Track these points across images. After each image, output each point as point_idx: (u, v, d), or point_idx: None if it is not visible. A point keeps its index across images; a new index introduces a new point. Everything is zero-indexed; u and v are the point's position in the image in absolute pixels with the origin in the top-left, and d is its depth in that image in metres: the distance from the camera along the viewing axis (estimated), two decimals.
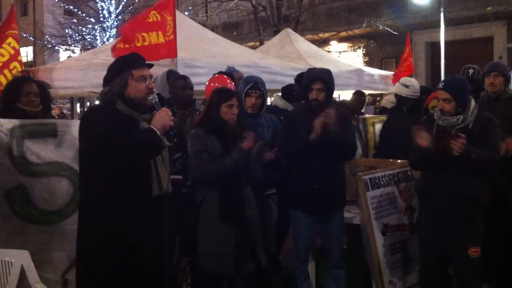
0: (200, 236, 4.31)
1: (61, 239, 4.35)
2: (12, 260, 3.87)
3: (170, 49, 6.89)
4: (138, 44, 6.81)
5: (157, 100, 3.68)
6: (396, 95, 6.79)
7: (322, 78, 4.68)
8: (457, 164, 4.08)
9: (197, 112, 5.26)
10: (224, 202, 4.25)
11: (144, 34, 6.85)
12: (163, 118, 3.53)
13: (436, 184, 4.30)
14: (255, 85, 4.97)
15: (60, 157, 4.44)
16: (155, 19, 6.85)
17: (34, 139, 4.34)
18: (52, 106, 6.12)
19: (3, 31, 7.57)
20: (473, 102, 4.29)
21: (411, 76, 9.20)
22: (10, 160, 4.20)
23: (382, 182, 4.98)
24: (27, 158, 4.26)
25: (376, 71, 12.55)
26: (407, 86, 6.58)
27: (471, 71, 5.95)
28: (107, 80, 3.66)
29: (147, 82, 3.59)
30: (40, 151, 4.33)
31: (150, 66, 3.70)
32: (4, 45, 7.38)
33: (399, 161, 5.29)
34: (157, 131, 3.48)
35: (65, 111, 18.76)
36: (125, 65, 3.62)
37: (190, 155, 4.32)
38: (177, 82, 5.33)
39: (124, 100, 3.55)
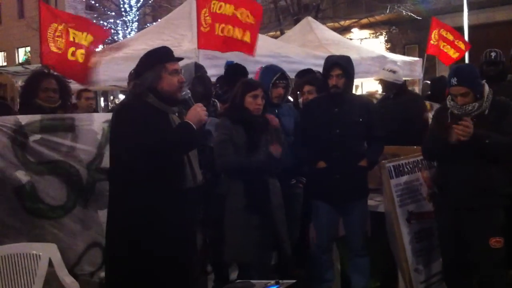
0: (226, 228, 4.34)
1: (67, 234, 4.37)
2: (40, 254, 3.94)
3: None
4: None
5: (190, 95, 3.73)
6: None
7: (341, 64, 4.64)
8: (472, 152, 3.96)
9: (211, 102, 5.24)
10: (250, 193, 4.25)
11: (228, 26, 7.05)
12: (198, 113, 3.57)
13: (453, 175, 4.18)
14: (282, 75, 4.94)
15: (63, 154, 4.43)
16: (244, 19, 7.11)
17: (50, 134, 4.37)
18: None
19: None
20: (486, 87, 4.13)
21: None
22: (16, 158, 4.24)
23: (406, 169, 4.94)
24: (28, 157, 4.28)
25: (399, 58, 12.42)
26: (393, 72, 6.38)
27: (493, 54, 5.86)
28: (138, 73, 3.68)
29: (179, 76, 3.63)
30: (43, 149, 4.33)
31: (180, 59, 3.74)
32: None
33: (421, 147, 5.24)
34: (193, 125, 3.52)
35: None
36: (159, 58, 3.63)
37: (216, 144, 4.33)
38: (198, 88, 5.24)
39: (155, 93, 3.57)
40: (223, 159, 4.28)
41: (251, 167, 4.25)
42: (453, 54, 10.88)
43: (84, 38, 7.00)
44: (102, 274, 4.39)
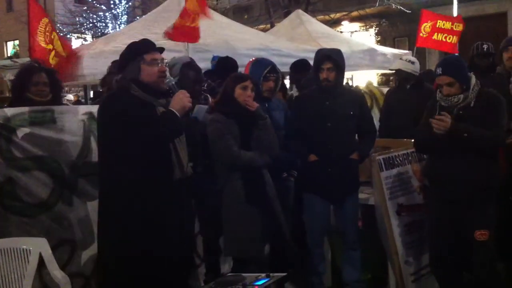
0: (226, 223, 4.32)
1: (43, 232, 4.30)
2: (31, 248, 3.91)
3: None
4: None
5: (173, 82, 3.74)
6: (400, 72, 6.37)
7: (332, 57, 4.65)
8: (455, 146, 3.99)
9: (203, 96, 5.22)
10: (249, 185, 4.25)
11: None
12: (182, 100, 3.57)
13: (444, 168, 4.19)
14: (273, 68, 4.91)
15: (47, 149, 4.39)
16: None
17: (33, 127, 4.33)
18: (67, 94, 6.17)
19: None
20: (473, 79, 4.15)
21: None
22: None
23: (396, 162, 4.95)
24: (13, 152, 4.25)
25: (389, 50, 12.43)
26: (412, 62, 6.29)
27: (485, 46, 5.89)
28: (120, 67, 3.71)
29: (159, 65, 3.62)
30: (27, 144, 4.30)
31: (161, 50, 3.73)
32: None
33: (413, 140, 5.25)
34: (176, 112, 3.51)
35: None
36: (136, 50, 3.66)
37: (214, 138, 4.27)
38: (189, 73, 5.18)
39: (139, 85, 3.57)
40: (232, 152, 4.21)
41: (261, 163, 4.29)
42: (450, 39, 10.95)
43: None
44: (71, 270, 4.39)
